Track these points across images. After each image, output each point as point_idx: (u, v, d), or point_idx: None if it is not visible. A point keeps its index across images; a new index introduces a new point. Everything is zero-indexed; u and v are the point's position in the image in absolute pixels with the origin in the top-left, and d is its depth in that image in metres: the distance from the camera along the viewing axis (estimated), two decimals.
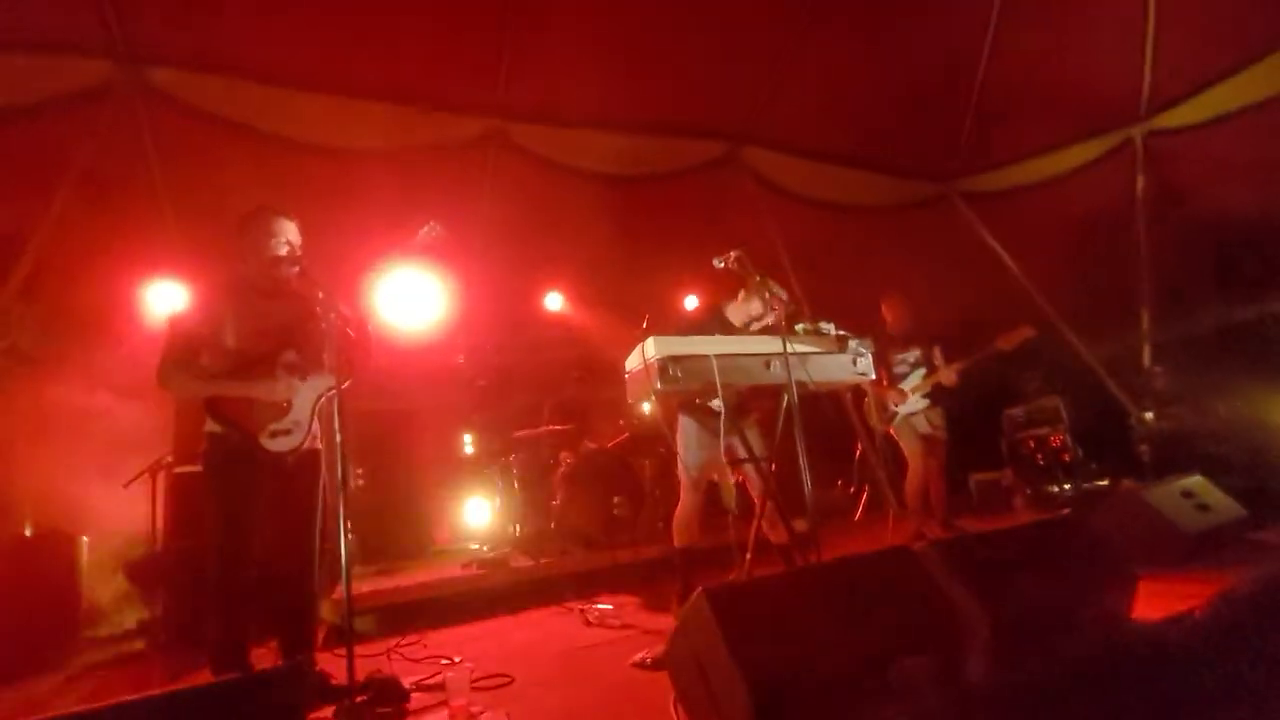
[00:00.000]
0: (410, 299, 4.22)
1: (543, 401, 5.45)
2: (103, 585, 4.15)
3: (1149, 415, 5.01)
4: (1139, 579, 2.23)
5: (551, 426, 4.99)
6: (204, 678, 2.32)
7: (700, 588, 1.78)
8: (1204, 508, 2.95)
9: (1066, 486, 4.88)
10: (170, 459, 3.92)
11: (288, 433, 2.32)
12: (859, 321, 4.91)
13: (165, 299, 4.54)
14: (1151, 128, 5.69)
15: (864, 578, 1.90)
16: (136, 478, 3.85)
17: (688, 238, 5.98)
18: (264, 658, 2.44)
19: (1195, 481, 3.08)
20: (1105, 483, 4.78)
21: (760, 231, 6.07)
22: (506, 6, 4.46)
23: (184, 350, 2.27)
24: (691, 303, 6.41)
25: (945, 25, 5.61)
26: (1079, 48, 5.39)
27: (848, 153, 6.35)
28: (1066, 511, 2.42)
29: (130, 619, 4.11)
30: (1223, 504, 3.03)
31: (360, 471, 5.05)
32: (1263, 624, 2.16)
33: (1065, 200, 6.22)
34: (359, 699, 1.89)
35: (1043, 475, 5.03)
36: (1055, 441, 5.07)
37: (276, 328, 2.38)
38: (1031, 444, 5.18)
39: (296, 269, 2.41)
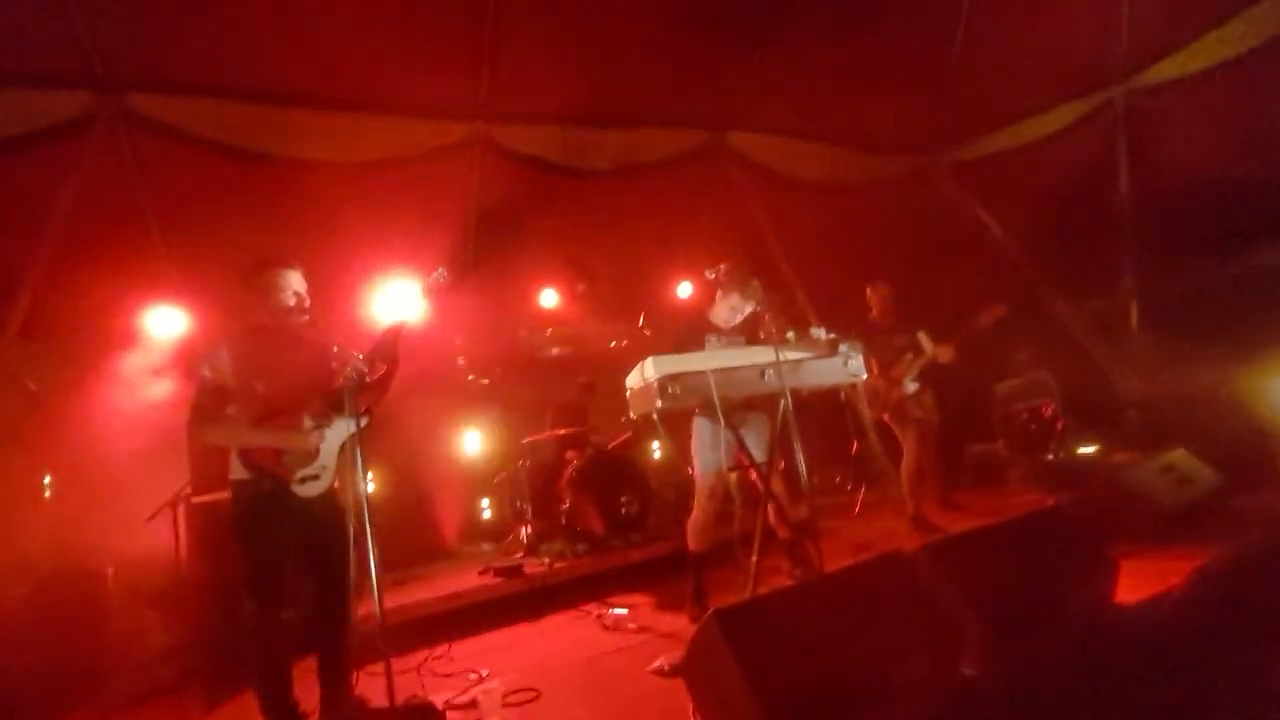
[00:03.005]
0: (406, 303, 4.27)
1: (546, 403, 5.56)
2: (131, 615, 4.29)
3: (1134, 382, 5.14)
4: (1119, 563, 2.37)
5: (556, 430, 5.10)
6: (244, 708, 2.45)
7: (711, 609, 1.91)
8: (1185, 481, 3.09)
9: (1060, 455, 5.03)
10: (189, 490, 4.03)
11: (316, 478, 2.43)
12: (849, 302, 5.05)
13: (165, 324, 4.61)
14: (1130, 87, 5.71)
15: (861, 587, 2.03)
16: (158, 511, 3.96)
17: (677, 226, 6.04)
18: (302, 679, 2.56)
19: (1177, 455, 3.22)
20: (1096, 449, 4.94)
21: (748, 216, 6.12)
22: (484, 7, 4.43)
23: (214, 403, 2.35)
24: (685, 290, 6.49)
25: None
26: (1056, 10, 5.38)
27: (831, 131, 6.35)
28: (1050, 503, 2.55)
29: (157, 647, 4.25)
30: (1203, 475, 3.17)
31: (370, 476, 5.17)
32: (1236, 600, 2.31)
33: (1049, 164, 6.25)
34: None
35: (1035, 445, 5.19)
36: (1046, 411, 5.22)
37: (299, 375, 2.47)
38: (1024, 415, 5.33)
39: (306, 318, 2.49)
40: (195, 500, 3.98)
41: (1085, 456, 4.90)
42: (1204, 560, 2.56)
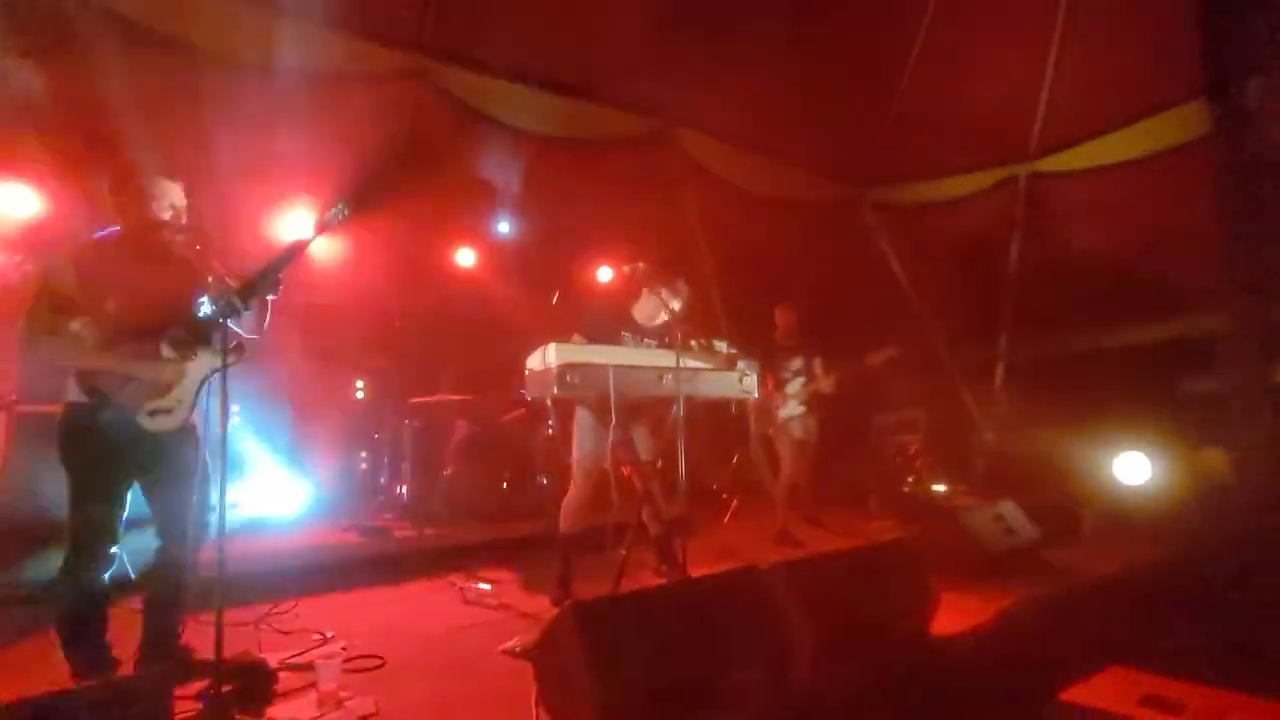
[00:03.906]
0: (299, 233, 3.98)
1: (441, 365, 5.39)
2: None
3: (988, 435, 5.72)
4: (941, 596, 2.64)
5: (449, 396, 4.97)
6: (48, 646, 2.23)
7: (570, 602, 1.95)
8: (1009, 530, 3.49)
9: (914, 489, 5.51)
10: (14, 397, 3.60)
11: (169, 412, 2.23)
12: (758, 316, 5.26)
13: (17, 202, 4.05)
14: (1034, 169, 6.26)
15: (715, 595, 2.15)
16: None
17: (610, 210, 6.01)
18: (122, 619, 2.37)
19: (1006, 507, 3.62)
20: (945, 489, 5.45)
21: (682, 213, 6.19)
22: None
23: (51, 317, 2.09)
24: (604, 275, 6.49)
25: (874, 43, 5.89)
26: (987, 85, 5.79)
27: (775, 147, 6.54)
28: (894, 537, 2.81)
29: None
30: (1025, 527, 3.59)
31: (235, 409, 4.82)
32: (1031, 639, 2.63)
33: (957, 221, 6.77)
34: (225, 688, 1.92)
35: (896, 476, 5.66)
36: (911, 449, 5.70)
37: (161, 299, 2.24)
38: (892, 448, 5.79)
39: (181, 237, 2.26)
40: (22, 409, 3.56)
41: (935, 494, 5.40)
42: (1010, 602, 2.92)
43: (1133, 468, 4.34)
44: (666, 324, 3.32)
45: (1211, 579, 2.68)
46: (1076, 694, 2.14)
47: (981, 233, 6.65)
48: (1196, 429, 4.27)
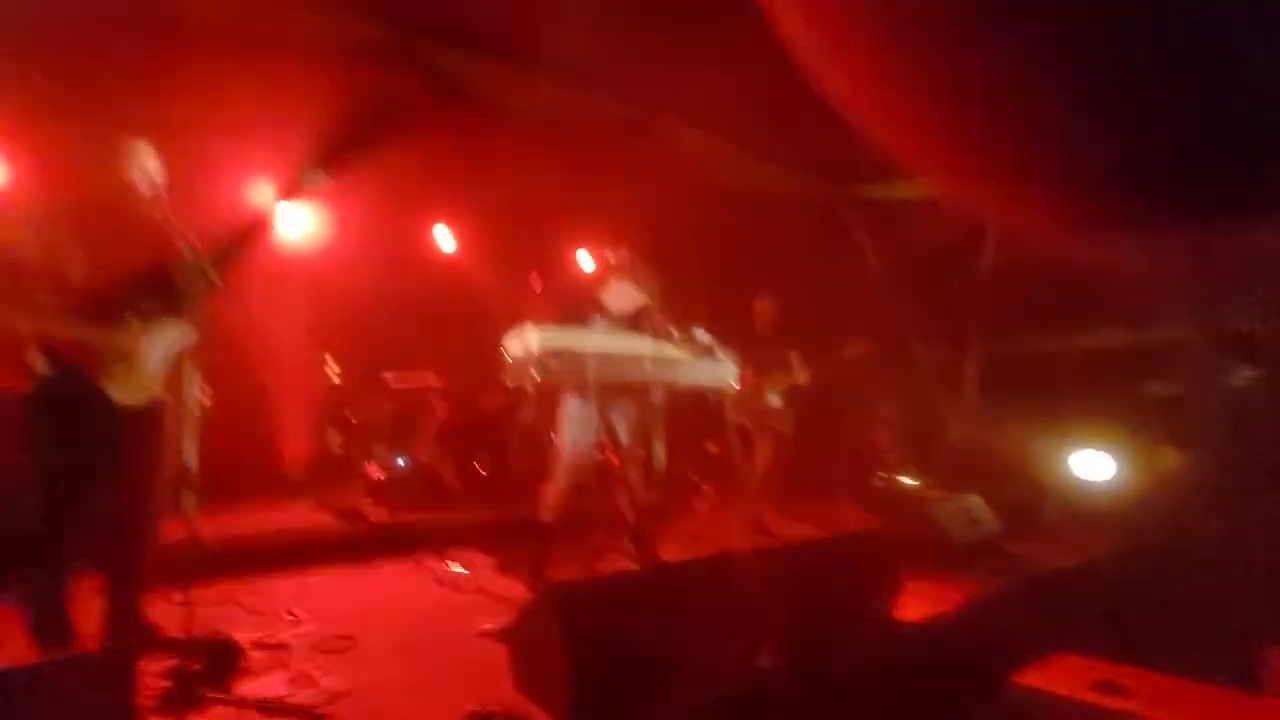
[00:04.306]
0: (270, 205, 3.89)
1: (420, 345, 5.33)
2: None
3: (957, 430, 5.86)
4: (908, 584, 2.72)
5: (428, 379, 4.93)
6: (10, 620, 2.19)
7: (545, 584, 1.97)
8: (974, 522, 3.60)
9: (885, 481, 5.64)
10: None
11: (136, 384, 2.18)
12: (738, 308, 5.30)
13: None
14: None
15: (689, 580, 2.19)
16: None
17: (587, 195, 5.98)
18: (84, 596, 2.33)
19: (972, 500, 3.73)
20: (915, 482, 5.58)
21: (662, 202, 6.18)
22: None
23: (13, 283, 2.03)
24: (583, 259, 6.47)
25: None
26: None
27: (755, 140, 6.55)
28: (864, 528, 2.90)
29: None
30: (989, 520, 3.71)
31: (209, 390, 4.72)
32: (994, 627, 2.73)
33: (932, 219, 6.87)
34: (193, 667, 1.91)
35: (868, 469, 5.77)
36: (883, 442, 5.81)
37: (129, 267, 2.19)
38: (864, 442, 5.90)
39: (153, 206, 2.21)
40: None
41: (904, 486, 5.53)
42: (974, 591, 3.01)
43: (1093, 464, 4.49)
44: (637, 312, 3.33)
45: (1162, 572, 2.81)
46: (1032, 678, 2.24)
47: (954, 232, 6.76)
48: (1155, 429, 4.43)
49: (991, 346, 6.45)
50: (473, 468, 4.41)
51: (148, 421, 2.26)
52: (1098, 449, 4.48)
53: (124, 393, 2.17)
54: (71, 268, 2.10)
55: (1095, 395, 4.97)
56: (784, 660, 2.16)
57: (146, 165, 2.23)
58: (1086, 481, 4.38)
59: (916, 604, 2.82)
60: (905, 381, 6.46)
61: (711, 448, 5.56)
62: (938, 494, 4.46)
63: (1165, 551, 3.13)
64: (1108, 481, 4.33)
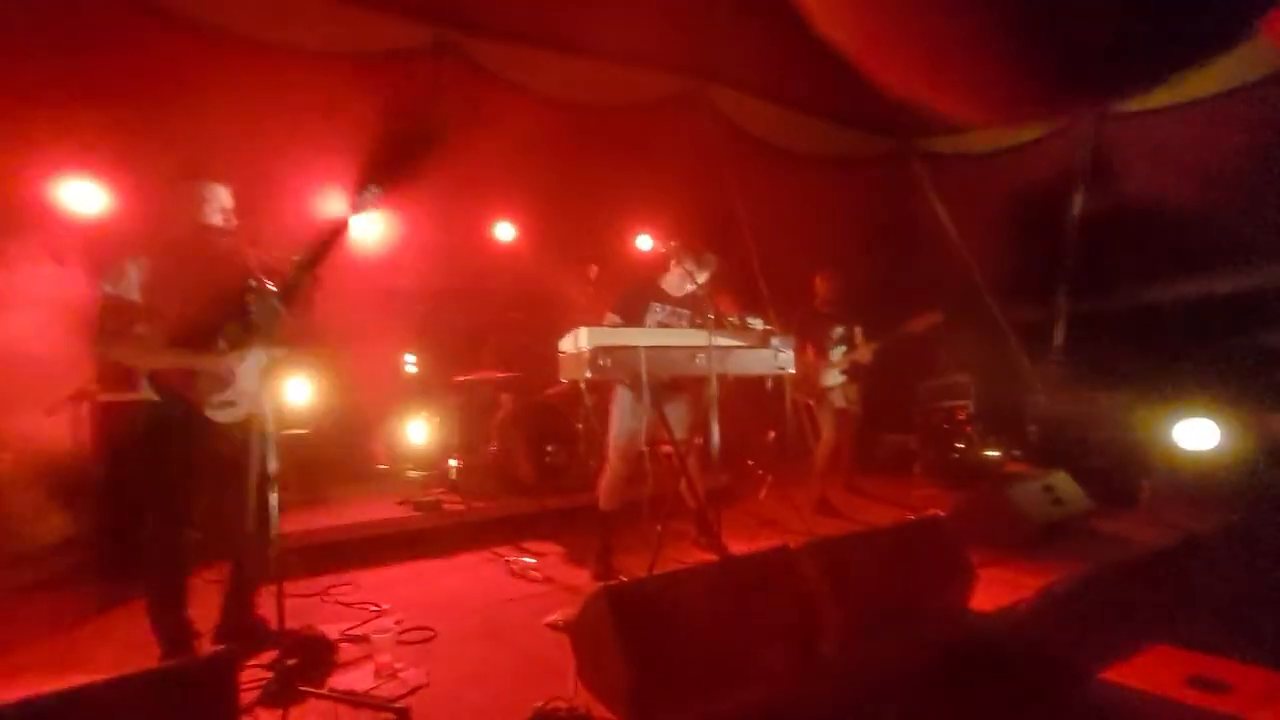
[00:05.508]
0: (334, 220, 4.09)
1: (482, 340, 5.51)
2: (23, 504, 4.14)
3: (1042, 398, 5.50)
4: (980, 572, 2.61)
5: (492, 372, 5.09)
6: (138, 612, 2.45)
7: (602, 584, 2.02)
8: (1058, 502, 3.40)
9: (963, 456, 5.38)
10: (95, 386, 3.87)
11: (233, 404, 2.39)
12: (797, 283, 5.15)
13: (83, 200, 4.27)
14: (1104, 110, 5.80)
15: (745, 576, 2.19)
16: (60, 405, 3.80)
17: (643, 175, 5.92)
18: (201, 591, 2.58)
19: (1058, 477, 3.51)
20: (997, 454, 5.31)
21: (718, 178, 6.06)
22: None
23: (118, 322, 2.25)
24: (644, 243, 6.45)
25: None
26: None
27: (811, 100, 6.29)
28: (929, 515, 2.78)
29: (50, 539, 4.12)
30: (1076, 498, 3.48)
31: (301, 401, 5.05)
32: (1074, 619, 2.58)
33: (1013, 172, 6.39)
34: (290, 662, 2.09)
35: (944, 443, 5.52)
36: (960, 414, 5.54)
37: (216, 297, 2.38)
38: (939, 414, 5.64)
39: (229, 239, 2.38)
40: (101, 399, 3.84)
41: (984, 461, 5.26)
42: (1053, 579, 2.85)
43: (1197, 433, 4.11)
44: (694, 295, 3.31)
45: (1273, 553, 2.56)
46: (1119, 673, 2.10)
47: (1038, 183, 6.27)
48: (1267, 392, 4.00)
49: (1082, 304, 5.99)
50: (541, 457, 4.54)
51: (247, 434, 2.48)
52: (1203, 416, 4.10)
53: (224, 412, 2.38)
54: (167, 304, 2.30)
55: (1200, 355, 4.52)
56: (850, 654, 2.14)
57: (224, 203, 2.42)
58: (1190, 452, 4.02)
59: (994, 591, 2.71)
60: (984, 347, 6.11)
61: (771, 433, 5.48)
62: (1021, 469, 4.23)
63: (1277, 530, 2.84)
64: (1214, 452, 3.96)
